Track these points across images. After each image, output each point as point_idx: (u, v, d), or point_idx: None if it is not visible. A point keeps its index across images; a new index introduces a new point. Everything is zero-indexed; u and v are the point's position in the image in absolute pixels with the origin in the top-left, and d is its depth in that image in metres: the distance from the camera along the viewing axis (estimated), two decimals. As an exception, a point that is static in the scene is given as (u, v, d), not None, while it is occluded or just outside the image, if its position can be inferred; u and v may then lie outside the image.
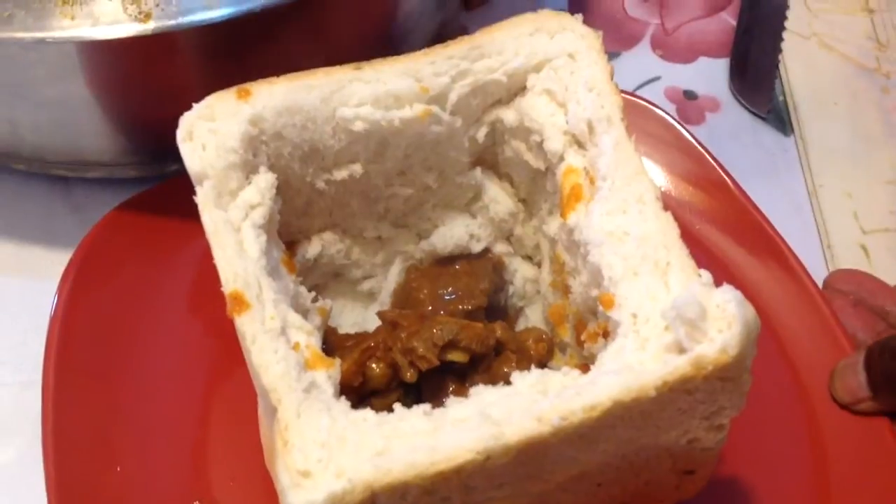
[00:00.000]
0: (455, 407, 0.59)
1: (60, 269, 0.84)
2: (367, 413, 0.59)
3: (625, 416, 0.59)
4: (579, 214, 0.69)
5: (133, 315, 0.84)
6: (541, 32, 0.74)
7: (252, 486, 0.77)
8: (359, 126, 0.70)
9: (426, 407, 0.59)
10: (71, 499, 0.74)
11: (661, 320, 0.61)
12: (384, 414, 0.59)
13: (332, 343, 0.73)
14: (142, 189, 0.89)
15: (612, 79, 0.72)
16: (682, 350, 0.60)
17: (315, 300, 0.72)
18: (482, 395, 0.60)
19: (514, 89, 0.75)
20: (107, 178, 0.94)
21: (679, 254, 0.64)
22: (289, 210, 0.73)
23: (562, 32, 0.74)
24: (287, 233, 0.75)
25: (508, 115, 0.75)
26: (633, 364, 0.60)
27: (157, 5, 0.73)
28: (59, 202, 0.96)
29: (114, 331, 0.83)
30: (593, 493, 0.67)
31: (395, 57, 0.72)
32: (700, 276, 0.62)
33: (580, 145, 0.72)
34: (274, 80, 0.70)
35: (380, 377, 0.70)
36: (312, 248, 0.78)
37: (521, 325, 0.82)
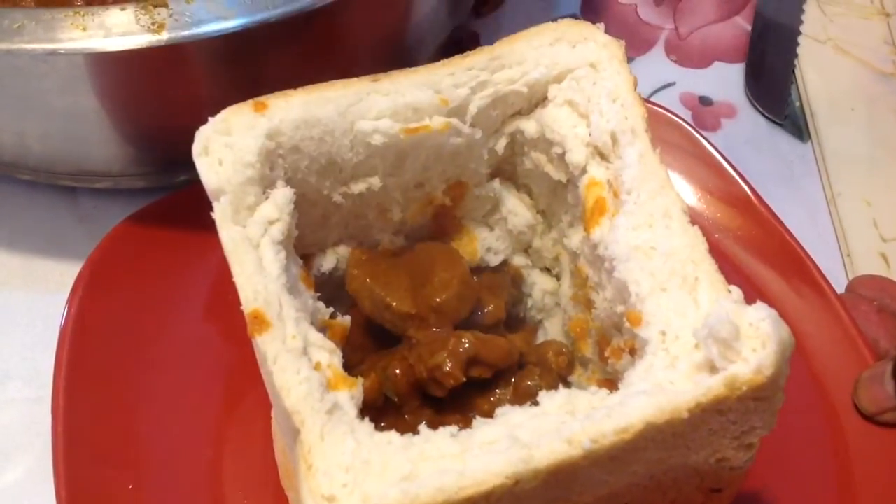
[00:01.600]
0: (482, 429, 0.58)
1: (69, 281, 0.83)
2: (392, 435, 0.58)
3: (656, 437, 0.58)
4: (604, 229, 0.68)
5: (144, 329, 0.83)
6: (562, 42, 0.72)
7: (267, 505, 0.76)
8: (377, 139, 0.68)
9: (453, 429, 0.58)
10: (84, 519, 0.73)
11: (691, 338, 0.60)
12: (409, 436, 0.58)
13: (348, 360, 0.72)
14: (150, 200, 0.88)
15: (635, 89, 0.70)
16: (713, 369, 0.58)
17: (333, 316, 0.70)
18: (510, 417, 0.59)
19: (535, 100, 0.73)
20: (115, 188, 0.93)
21: (708, 269, 0.63)
22: (305, 224, 0.71)
23: (583, 42, 0.72)
24: (302, 246, 0.74)
25: (529, 127, 0.74)
26: (663, 384, 0.59)
27: (171, 16, 0.72)
28: (66, 213, 0.95)
29: (125, 345, 0.82)
30: (620, 512, 0.66)
31: (413, 68, 0.71)
32: (730, 292, 0.61)
33: (603, 157, 0.70)
34: (290, 92, 0.68)
35: (403, 395, 0.69)
36: (328, 262, 0.77)
37: (540, 339, 0.81)
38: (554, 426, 0.57)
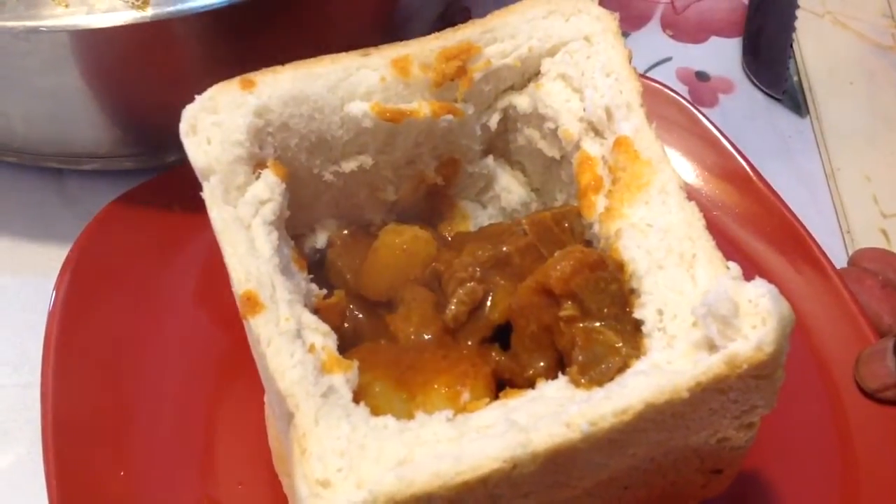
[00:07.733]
0: (479, 413, 0.57)
1: (56, 265, 0.81)
2: (387, 420, 0.57)
3: (656, 419, 0.56)
4: (598, 206, 0.66)
5: (134, 313, 0.81)
6: (555, 15, 0.71)
7: (260, 491, 0.75)
8: (368, 123, 0.67)
9: (448, 413, 0.57)
10: (74, 506, 0.71)
11: (689, 316, 0.59)
12: (405, 421, 0.57)
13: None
14: (139, 181, 0.86)
15: (630, 63, 0.69)
16: (712, 347, 0.57)
17: (328, 297, 0.69)
18: (507, 400, 0.58)
19: (528, 74, 0.72)
20: (102, 170, 0.91)
21: (705, 245, 0.62)
22: (296, 204, 0.70)
23: (577, 15, 0.71)
24: (292, 226, 0.72)
25: (522, 102, 0.72)
26: (661, 364, 0.58)
27: (156, -9, 0.70)
28: (53, 196, 0.93)
29: (114, 330, 0.80)
30: (619, 496, 0.65)
31: (403, 42, 0.70)
32: (728, 268, 0.60)
33: (597, 133, 0.69)
34: (279, 68, 0.67)
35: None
36: (319, 239, 0.75)
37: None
38: (552, 410, 0.56)
